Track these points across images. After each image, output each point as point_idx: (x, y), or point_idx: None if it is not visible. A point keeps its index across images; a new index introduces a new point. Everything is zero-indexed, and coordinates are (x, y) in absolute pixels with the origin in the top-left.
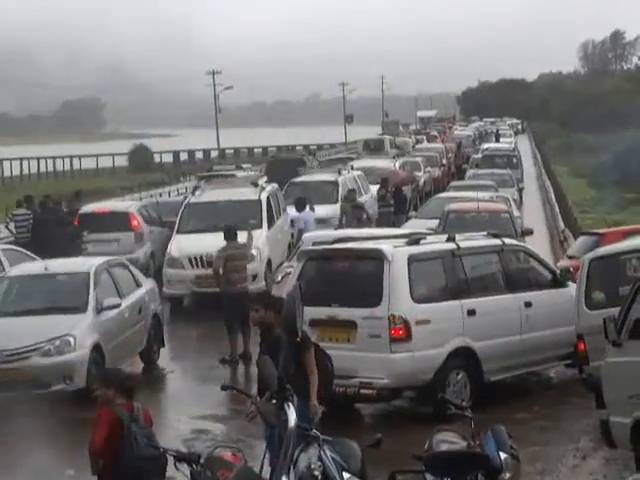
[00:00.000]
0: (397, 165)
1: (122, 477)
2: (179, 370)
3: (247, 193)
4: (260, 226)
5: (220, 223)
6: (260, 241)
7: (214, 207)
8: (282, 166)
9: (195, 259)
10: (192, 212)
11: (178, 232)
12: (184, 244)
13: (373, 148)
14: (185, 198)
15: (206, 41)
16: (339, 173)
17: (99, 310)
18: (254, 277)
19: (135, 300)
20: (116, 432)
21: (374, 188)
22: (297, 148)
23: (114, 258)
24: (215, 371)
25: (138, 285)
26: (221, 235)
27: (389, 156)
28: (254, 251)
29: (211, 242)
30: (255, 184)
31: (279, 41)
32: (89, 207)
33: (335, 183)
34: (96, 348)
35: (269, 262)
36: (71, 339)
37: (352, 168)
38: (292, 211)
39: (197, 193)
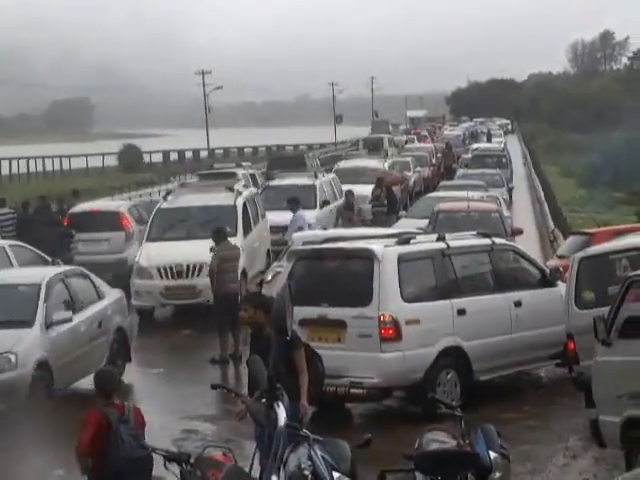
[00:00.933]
0: (386, 165)
1: (107, 477)
2: (169, 370)
3: (222, 198)
4: (235, 233)
5: (193, 231)
6: None
7: (186, 213)
8: (284, 163)
9: (164, 269)
10: (163, 218)
11: (148, 240)
12: (153, 253)
13: (372, 147)
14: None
15: (195, 41)
16: (316, 176)
17: (48, 325)
18: None
19: (94, 313)
20: (103, 432)
21: (364, 188)
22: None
23: (73, 268)
24: (205, 371)
25: (100, 296)
26: (193, 243)
27: (386, 155)
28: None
29: (182, 251)
30: (230, 189)
31: (269, 41)
32: (80, 207)
33: (312, 187)
34: (42, 365)
35: (244, 272)
36: (12, 356)
37: (329, 171)
38: (275, 215)
39: (170, 198)
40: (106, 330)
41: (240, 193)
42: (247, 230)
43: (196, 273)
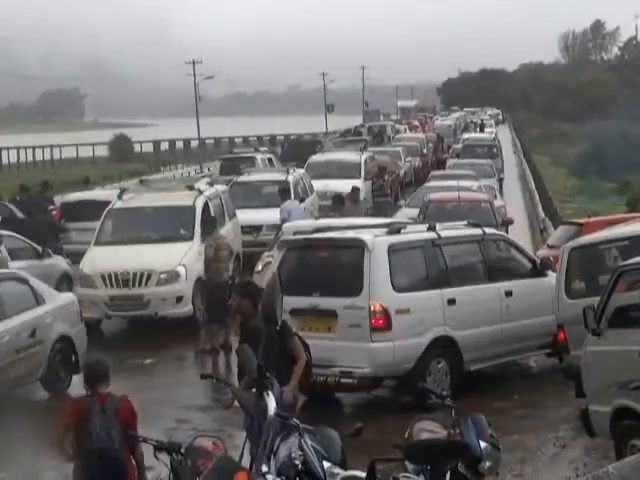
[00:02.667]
0: (363, 158)
1: (78, 466)
2: (159, 360)
3: (179, 198)
4: (191, 237)
5: (145, 234)
6: (188, 256)
7: (140, 214)
8: (300, 148)
9: (109, 277)
10: (114, 220)
11: (96, 243)
12: (99, 259)
13: (377, 133)
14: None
15: (186, 32)
16: (288, 172)
17: None
18: (178, 299)
19: (24, 321)
20: (78, 422)
21: (339, 183)
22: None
23: (7, 272)
24: (195, 361)
25: (39, 302)
26: (144, 248)
27: (389, 141)
28: (181, 268)
29: (130, 257)
30: (191, 187)
31: (259, 32)
32: (72, 196)
33: (285, 183)
34: None
35: (201, 281)
36: None
37: (296, 167)
38: (247, 213)
39: (125, 197)
40: (43, 339)
41: (201, 192)
42: (208, 233)
43: (144, 282)
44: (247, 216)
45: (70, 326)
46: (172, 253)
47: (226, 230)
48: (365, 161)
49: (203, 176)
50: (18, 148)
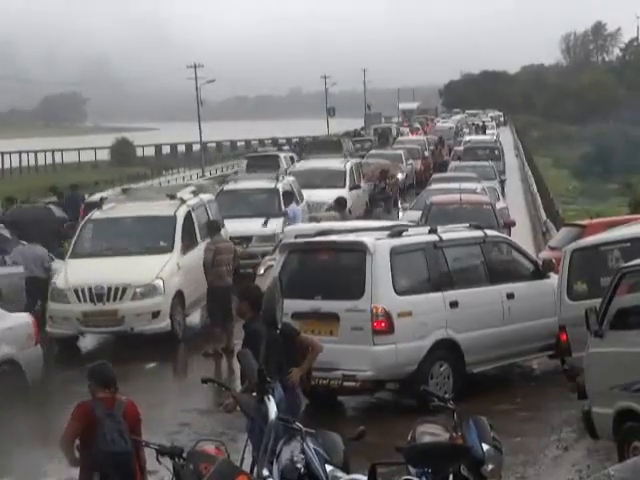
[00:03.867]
0: (348, 166)
1: (89, 470)
2: (161, 365)
3: (160, 208)
4: (171, 249)
5: (123, 245)
6: (166, 269)
7: (118, 225)
8: (322, 146)
9: (82, 291)
10: (92, 231)
11: (71, 256)
12: (72, 272)
13: (381, 135)
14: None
15: (187, 36)
16: (277, 179)
17: None
18: (155, 314)
19: None
20: (88, 426)
21: (323, 194)
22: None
23: None
24: (198, 365)
25: None
26: (121, 260)
27: (393, 142)
28: (158, 281)
29: (107, 269)
30: (172, 197)
31: (260, 36)
32: (95, 196)
33: (275, 191)
34: None
35: (180, 295)
36: None
37: (287, 173)
38: (235, 223)
39: (104, 207)
40: None
41: (184, 202)
42: (191, 244)
43: (119, 296)
44: (236, 226)
45: (18, 348)
46: (149, 266)
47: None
48: (351, 169)
49: (187, 185)
50: (20, 152)
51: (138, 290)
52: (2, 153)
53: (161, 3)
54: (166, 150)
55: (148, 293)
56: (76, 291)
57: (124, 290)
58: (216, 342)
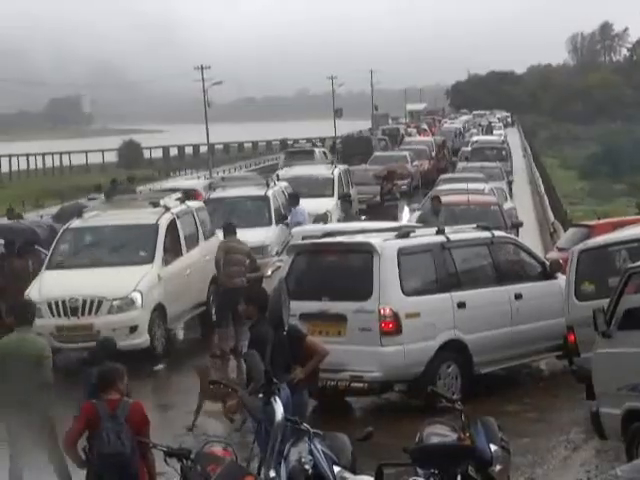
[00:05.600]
0: (336, 172)
1: (90, 471)
2: (169, 366)
3: (142, 216)
4: (151, 260)
5: (101, 256)
6: (145, 281)
7: (97, 235)
8: (355, 143)
9: (56, 304)
10: (70, 241)
11: (48, 267)
12: (47, 284)
13: (389, 134)
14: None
15: (194, 38)
16: (267, 185)
17: None
18: (132, 329)
19: None
20: (90, 427)
21: (311, 203)
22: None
23: None
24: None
25: None
26: (98, 272)
27: (401, 142)
28: (135, 294)
29: (83, 282)
30: (155, 204)
31: (267, 37)
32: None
33: (265, 199)
34: None
35: (161, 309)
36: None
37: (278, 178)
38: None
39: (86, 215)
40: None
41: (167, 209)
42: (174, 255)
43: (94, 310)
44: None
45: None
46: (127, 278)
47: (199, 251)
48: (339, 176)
49: (173, 191)
50: (28, 155)
51: (115, 303)
52: (10, 155)
53: (168, 6)
54: (174, 152)
55: (125, 307)
56: (50, 305)
57: (100, 303)
58: (223, 343)
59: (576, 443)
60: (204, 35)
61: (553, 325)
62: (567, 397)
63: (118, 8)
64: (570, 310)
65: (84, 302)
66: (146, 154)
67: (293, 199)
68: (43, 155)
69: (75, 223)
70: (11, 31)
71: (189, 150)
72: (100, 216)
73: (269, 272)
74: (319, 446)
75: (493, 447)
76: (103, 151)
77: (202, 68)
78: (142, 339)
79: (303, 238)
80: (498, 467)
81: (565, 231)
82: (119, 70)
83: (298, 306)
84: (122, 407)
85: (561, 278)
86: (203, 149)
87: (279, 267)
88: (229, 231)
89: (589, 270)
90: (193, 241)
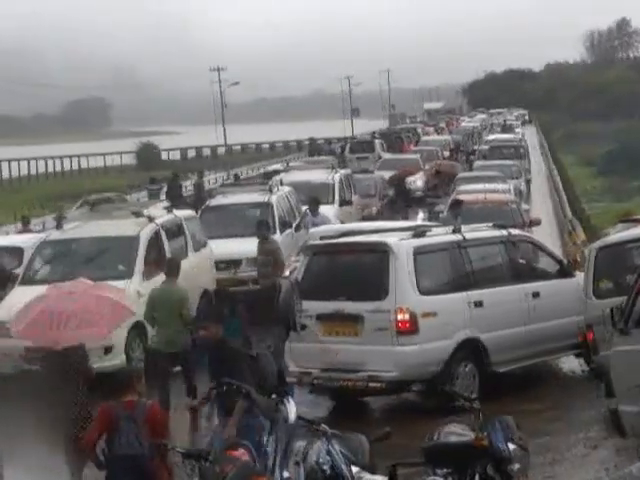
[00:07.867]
0: (337, 178)
1: (108, 471)
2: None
3: (123, 227)
4: (130, 275)
5: (77, 270)
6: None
7: (75, 247)
8: (390, 138)
9: None
10: (46, 254)
11: (21, 283)
12: (17, 301)
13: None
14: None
15: (209, 39)
16: (270, 190)
17: None
18: (107, 350)
19: None
20: (108, 428)
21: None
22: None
23: None
24: None
25: None
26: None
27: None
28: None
29: None
30: (138, 214)
31: (282, 37)
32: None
33: (268, 205)
34: None
35: (141, 327)
36: None
37: (281, 183)
38: (222, 244)
39: (66, 226)
40: None
41: (151, 220)
42: (157, 269)
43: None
44: (223, 248)
45: None
46: None
47: (189, 264)
48: (340, 181)
49: (160, 201)
50: (46, 158)
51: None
52: (28, 159)
53: (183, 7)
54: (192, 153)
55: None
56: None
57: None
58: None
59: (595, 441)
60: (218, 36)
61: (571, 323)
62: (586, 395)
63: (133, 11)
64: (588, 308)
65: None
66: (164, 156)
67: (314, 205)
68: (61, 158)
69: (53, 235)
70: (27, 33)
71: (207, 152)
72: (80, 227)
73: (287, 272)
74: (337, 447)
75: (511, 446)
76: (121, 153)
77: (219, 70)
78: (117, 360)
79: (321, 238)
80: (517, 466)
81: (583, 228)
82: (135, 72)
83: (314, 306)
84: (140, 408)
85: (579, 276)
86: (221, 150)
87: (296, 267)
88: (263, 231)
89: (607, 268)
90: (180, 253)
